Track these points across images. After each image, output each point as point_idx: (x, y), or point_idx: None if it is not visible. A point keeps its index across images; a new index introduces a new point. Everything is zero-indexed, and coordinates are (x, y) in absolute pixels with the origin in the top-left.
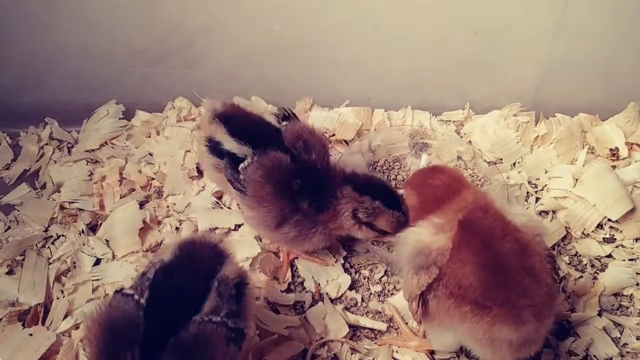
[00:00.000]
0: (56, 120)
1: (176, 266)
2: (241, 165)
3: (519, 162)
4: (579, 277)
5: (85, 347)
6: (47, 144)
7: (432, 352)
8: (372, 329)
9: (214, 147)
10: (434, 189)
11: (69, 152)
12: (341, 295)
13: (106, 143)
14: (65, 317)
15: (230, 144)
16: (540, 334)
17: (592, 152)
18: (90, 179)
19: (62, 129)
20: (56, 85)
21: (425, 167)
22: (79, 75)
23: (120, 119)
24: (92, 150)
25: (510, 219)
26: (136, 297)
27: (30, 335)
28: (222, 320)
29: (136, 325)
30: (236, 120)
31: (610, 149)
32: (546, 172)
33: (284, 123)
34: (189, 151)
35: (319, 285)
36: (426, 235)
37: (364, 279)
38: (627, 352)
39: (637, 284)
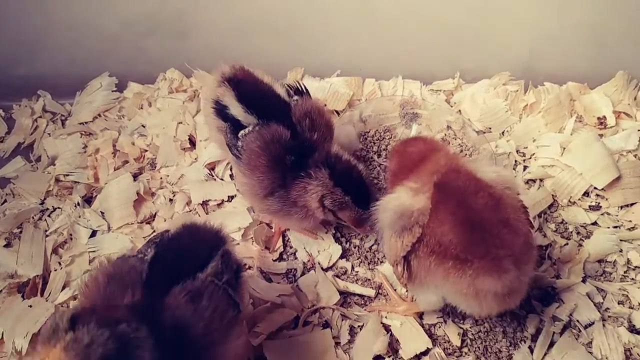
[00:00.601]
0: (49, 93)
1: (182, 235)
2: (241, 132)
3: (507, 131)
4: (565, 245)
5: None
6: (40, 117)
7: (420, 316)
8: (361, 296)
9: (220, 110)
10: (410, 155)
11: (63, 124)
12: (332, 265)
13: (99, 115)
14: (64, 288)
15: (236, 110)
16: (522, 281)
17: (580, 121)
18: (85, 152)
19: (55, 101)
20: (48, 58)
21: (405, 138)
22: (71, 48)
23: (112, 91)
24: (86, 123)
25: (480, 177)
26: (140, 255)
27: (30, 306)
28: (224, 285)
29: (139, 272)
30: (245, 87)
31: (598, 118)
32: (534, 140)
33: (295, 98)
34: (181, 123)
35: (311, 255)
36: (406, 198)
37: (355, 247)
38: (609, 317)
39: (621, 251)
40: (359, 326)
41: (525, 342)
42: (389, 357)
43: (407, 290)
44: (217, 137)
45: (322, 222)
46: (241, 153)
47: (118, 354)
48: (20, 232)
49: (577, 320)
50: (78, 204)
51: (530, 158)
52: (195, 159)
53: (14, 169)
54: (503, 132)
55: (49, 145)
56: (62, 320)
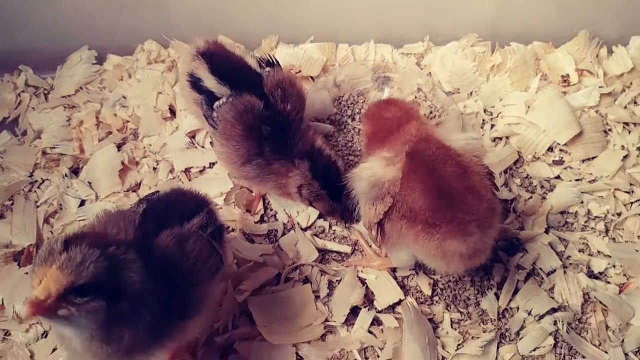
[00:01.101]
0: (30, 67)
1: (170, 195)
2: (216, 104)
3: (475, 92)
4: (529, 198)
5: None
6: (23, 91)
7: (393, 270)
8: (339, 252)
9: (195, 83)
10: (385, 123)
11: (46, 98)
12: (311, 224)
13: (81, 88)
14: None
15: (209, 82)
16: (485, 243)
17: (545, 79)
18: (69, 124)
19: (37, 76)
20: (28, 33)
21: (378, 100)
22: (50, 23)
23: (93, 64)
24: (68, 96)
25: (450, 145)
26: (133, 209)
27: (26, 273)
28: (208, 237)
29: (132, 220)
30: (218, 60)
31: (562, 76)
32: (501, 100)
33: (267, 69)
34: (161, 93)
35: (291, 216)
36: (378, 169)
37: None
38: (570, 264)
39: (582, 202)
40: (336, 280)
41: (491, 289)
42: (365, 307)
43: (381, 247)
44: (194, 109)
45: None
46: (217, 123)
47: (108, 272)
48: (12, 204)
49: (540, 268)
50: (66, 175)
51: (497, 117)
52: (176, 128)
53: (1, 143)
54: (471, 93)
55: (33, 119)
56: (56, 243)
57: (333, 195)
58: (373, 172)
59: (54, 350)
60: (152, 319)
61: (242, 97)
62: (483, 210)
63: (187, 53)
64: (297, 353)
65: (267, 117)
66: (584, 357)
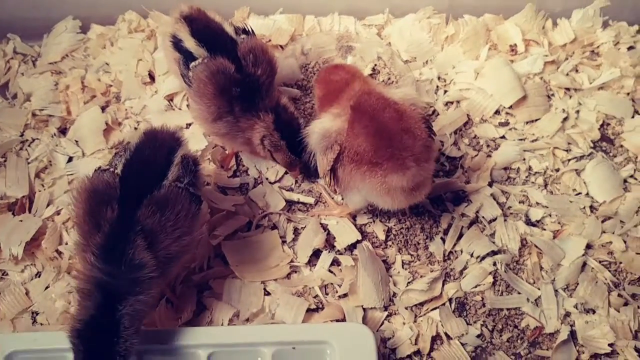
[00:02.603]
0: (17, 36)
1: (143, 146)
2: (192, 64)
3: (430, 60)
4: (475, 156)
5: (72, 209)
6: (12, 58)
7: (353, 217)
8: (304, 203)
9: (176, 44)
10: (332, 84)
11: (34, 65)
12: (279, 179)
13: (67, 55)
14: (48, 205)
15: (189, 43)
16: (423, 176)
17: (495, 49)
18: (56, 89)
19: (24, 44)
20: (14, 3)
21: (328, 65)
22: None
23: (77, 33)
24: (55, 63)
25: (390, 96)
26: (112, 169)
27: (21, 221)
28: (185, 186)
29: (113, 188)
30: (199, 24)
31: (510, 46)
32: (453, 67)
33: (242, 36)
34: (141, 60)
35: (261, 172)
36: (327, 122)
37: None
38: (510, 213)
39: (524, 159)
40: (301, 227)
41: (438, 235)
42: (326, 250)
43: (342, 198)
44: (174, 68)
45: None
46: (192, 82)
47: None
48: (5, 160)
49: (483, 217)
50: (54, 134)
51: (450, 83)
52: (156, 91)
53: None
54: (427, 61)
55: (23, 83)
56: None
57: (292, 149)
58: (322, 125)
59: (46, 287)
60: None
61: (215, 59)
62: (418, 147)
63: (171, 17)
64: (265, 289)
65: (238, 80)
66: (519, 293)
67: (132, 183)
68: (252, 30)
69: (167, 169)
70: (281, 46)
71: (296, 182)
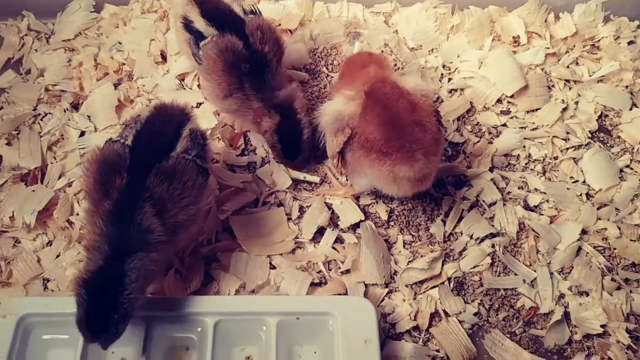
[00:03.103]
0: (32, 13)
1: (153, 119)
2: (202, 43)
3: (436, 48)
4: (477, 142)
5: (82, 179)
6: (26, 35)
7: (357, 198)
8: (309, 183)
9: (187, 25)
10: (351, 68)
11: (47, 41)
12: None
13: (80, 33)
14: (60, 177)
15: (199, 24)
16: (430, 169)
17: (499, 40)
18: (69, 65)
19: (38, 21)
20: None
21: (354, 54)
22: None
23: (91, 12)
24: (68, 40)
25: (403, 86)
26: (122, 140)
27: (33, 191)
28: (193, 158)
29: (123, 158)
30: (208, 5)
31: (513, 37)
32: (458, 56)
33: (250, 16)
34: (154, 40)
35: (268, 151)
36: (340, 105)
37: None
38: (510, 198)
39: (524, 147)
40: (307, 206)
41: (439, 217)
42: (330, 228)
43: (347, 179)
44: (185, 48)
45: None
46: (202, 60)
47: None
48: (18, 133)
49: (483, 200)
50: (67, 109)
51: (454, 71)
52: (167, 71)
53: (7, 80)
54: (432, 49)
55: (36, 59)
56: None
57: (286, 151)
58: (335, 107)
59: (57, 256)
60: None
61: (224, 37)
62: (428, 140)
63: None
64: (270, 263)
65: (246, 56)
66: (516, 274)
67: (142, 154)
68: (259, 11)
69: (175, 141)
70: (290, 31)
71: None
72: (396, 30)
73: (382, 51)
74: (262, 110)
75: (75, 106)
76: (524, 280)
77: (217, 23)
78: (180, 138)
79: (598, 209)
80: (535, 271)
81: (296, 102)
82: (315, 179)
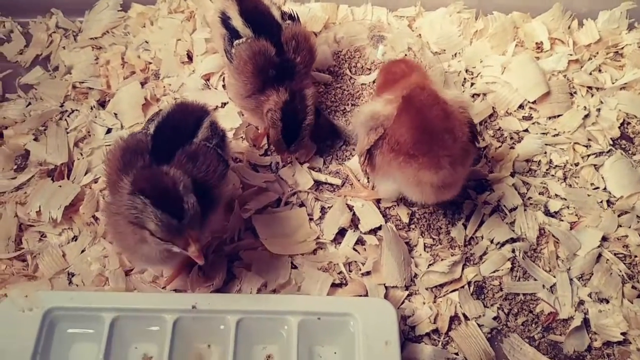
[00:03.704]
0: (60, 11)
1: (174, 113)
2: (236, 42)
3: (459, 53)
4: (499, 147)
5: (105, 166)
6: (54, 32)
7: (378, 201)
8: (331, 184)
9: (224, 20)
10: (392, 74)
11: (75, 39)
12: (309, 159)
13: (107, 32)
14: (86, 173)
15: (236, 22)
16: (455, 179)
17: (522, 45)
18: (97, 63)
19: (66, 18)
20: None
21: (394, 59)
22: None
23: (118, 10)
24: (96, 38)
25: (442, 95)
26: (144, 131)
27: (60, 186)
28: (214, 147)
29: (145, 143)
30: (248, 4)
31: (536, 43)
32: (481, 61)
33: (288, 22)
34: (180, 40)
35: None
36: (378, 106)
37: (327, 147)
38: (530, 204)
39: (545, 153)
40: (328, 207)
41: (460, 220)
42: (351, 229)
43: (368, 180)
44: (219, 43)
45: None
46: (233, 58)
47: None
48: (45, 129)
49: (504, 205)
50: (94, 106)
51: (477, 76)
52: (193, 71)
53: (35, 77)
54: (455, 54)
55: (64, 56)
56: None
57: (286, 134)
58: (373, 107)
59: (82, 251)
60: None
61: (258, 41)
62: (457, 149)
63: None
64: (292, 262)
65: (276, 63)
66: (535, 279)
67: (163, 141)
68: (298, 17)
69: (196, 131)
70: (315, 33)
71: (324, 162)
72: (420, 35)
73: (406, 55)
74: (270, 93)
75: (102, 103)
76: (543, 286)
77: (254, 24)
78: (200, 128)
79: (619, 216)
80: (554, 277)
81: (307, 90)
82: (337, 180)
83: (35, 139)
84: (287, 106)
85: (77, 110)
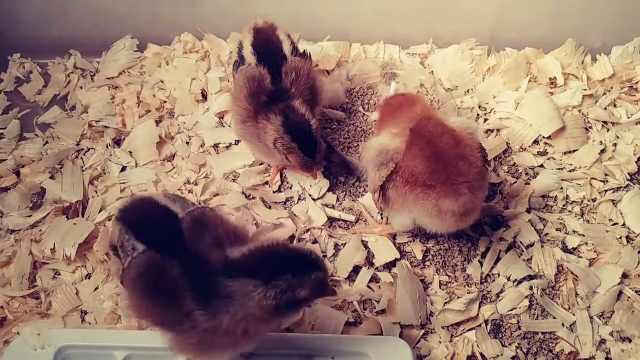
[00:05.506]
0: (78, 52)
1: None
2: (240, 68)
3: (471, 89)
4: (514, 182)
5: None
6: (72, 72)
7: (393, 237)
8: (345, 221)
9: (239, 49)
10: (393, 107)
11: (92, 79)
12: (321, 196)
13: (124, 72)
14: (100, 211)
15: (246, 51)
16: (474, 204)
17: (535, 81)
18: (112, 102)
19: (84, 59)
20: (76, 21)
21: (392, 94)
22: (96, 12)
23: (134, 51)
24: (112, 78)
25: (448, 124)
26: None
27: (74, 224)
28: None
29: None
30: (260, 36)
31: (550, 78)
32: (494, 97)
33: (296, 58)
34: (194, 79)
35: (304, 188)
36: (385, 140)
37: (340, 183)
38: (547, 240)
39: (561, 188)
40: (342, 244)
41: (476, 257)
42: (365, 266)
43: (382, 216)
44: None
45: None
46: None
47: None
48: (61, 167)
49: (520, 242)
50: (109, 145)
51: (490, 112)
52: (207, 109)
53: (52, 116)
54: (468, 90)
55: (81, 96)
56: None
57: (305, 149)
58: (381, 141)
59: (96, 288)
60: None
61: (256, 68)
62: (473, 174)
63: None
64: None
65: (270, 90)
66: (554, 317)
67: None
68: (310, 55)
69: None
70: (327, 71)
71: (338, 199)
72: (432, 71)
73: (418, 91)
74: (261, 123)
75: (117, 142)
76: (562, 324)
77: (260, 54)
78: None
79: (639, 252)
80: (574, 315)
81: (295, 102)
82: (351, 217)
83: (51, 177)
84: (287, 125)
85: (92, 148)
